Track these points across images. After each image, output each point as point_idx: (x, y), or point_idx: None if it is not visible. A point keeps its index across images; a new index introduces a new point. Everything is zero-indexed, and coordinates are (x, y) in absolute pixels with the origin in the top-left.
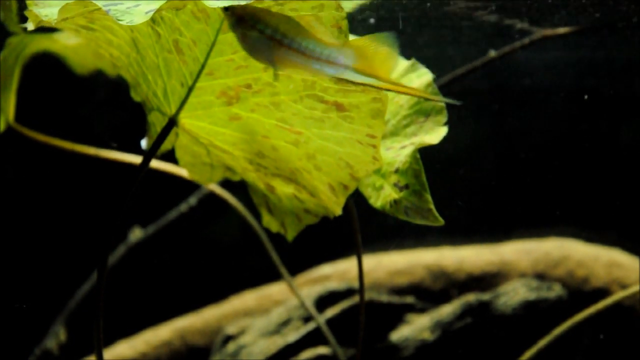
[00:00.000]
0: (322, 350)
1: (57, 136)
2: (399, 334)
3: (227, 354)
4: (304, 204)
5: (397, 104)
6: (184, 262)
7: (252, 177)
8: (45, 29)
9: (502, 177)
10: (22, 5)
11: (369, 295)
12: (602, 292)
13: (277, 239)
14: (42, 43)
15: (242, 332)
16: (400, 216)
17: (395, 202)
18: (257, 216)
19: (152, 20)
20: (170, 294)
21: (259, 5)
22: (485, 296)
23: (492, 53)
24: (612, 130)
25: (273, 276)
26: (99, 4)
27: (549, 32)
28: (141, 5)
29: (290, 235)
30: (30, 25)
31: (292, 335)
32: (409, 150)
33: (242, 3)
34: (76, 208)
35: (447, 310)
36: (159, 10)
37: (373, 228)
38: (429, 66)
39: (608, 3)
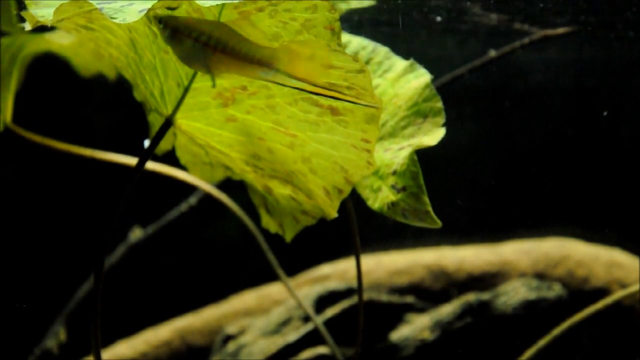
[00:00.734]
0: (322, 350)
1: (59, 137)
2: (399, 334)
3: (227, 353)
4: (301, 205)
5: (396, 105)
6: (184, 262)
7: (250, 178)
8: (46, 29)
9: (502, 176)
10: (23, 6)
11: (369, 295)
12: (602, 292)
13: (277, 238)
14: (38, 43)
15: (242, 332)
16: (397, 218)
17: (393, 204)
18: (257, 216)
19: (149, 19)
20: (170, 294)
21: (252, 7)
22: (485, 296)
23: (492, 53)
24: (612, 130)
25: (273, 276)
26: (94, 2)
27: (549, 32)
28: (135, 4)
29: (289, 236)
30: (27, 26)
31: (292, 335)
32: (406, 152)
33: (236, 3)
34: (76, 208)
35: (447, 310)
36: (153, 9)
37: (373, 228)
38: (428, 66)
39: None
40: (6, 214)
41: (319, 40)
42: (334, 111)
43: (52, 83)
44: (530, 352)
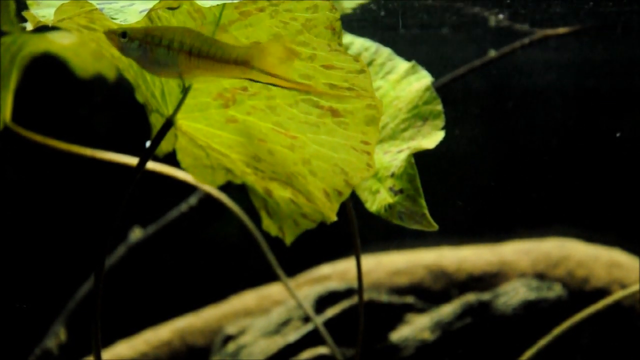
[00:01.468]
0: (323, 350)
1: (59, 137)
2: (399, 334)
3: (227, 354)
4: (301, 208)
5: (396, 108)
6: (184, 262)
7: (251, 180)
8: (47, 28)
9: (502, 177)
10: (24, 6)
11: (369, 295)
12: (602, 292)
13: (277, 238)
14: (39, 43)
15: (242, 332)
16: (394, 221)
17: (390, 206)
18: (258, 217)
19: (150, 19)
20: (170, 294)
21: (252, 7)
22: (485, 296)
23: (492, 53)
24: (612, 130)
25: (273, 276)
26: (94, 3)
27: (549, 32)
28: (135, 4)
29: (288, 239)
30: (29, 26)
31: (292, 335)
32: (405, 154)
33: (236, 3)
34: (76, 208)
35: (447, 310)
36: (155, 10)
37: (373, 228)
38: (428, 66)
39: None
40: (6, 214)
41: (319, 40)
42: (334, 113)
43: (52, 82)
44: (530, 352)
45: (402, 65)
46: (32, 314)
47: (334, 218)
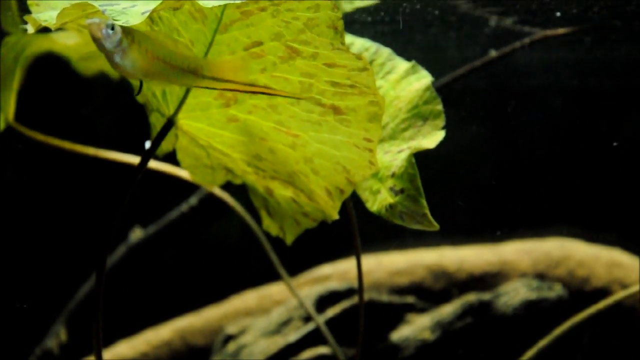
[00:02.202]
0: (323, 350)
1: (61, 136)
2: (399, 334)
3: (228, 353)
4: (302, 207)
5: (396, 107)
6: (185, 262)
7: (251, 179)
8: (49, 28)
9: (503, 177)
10: (25, 5)
11: (369, 295)
12: (603, 292)
13: (277, 238)
14: (41, 43)
15: (242, 332)
16: (395, 221)
17: (391, 206)
18: (258, 217)
19: (151, 20)
20: (171, 294)
21: (254, 6)
22: (486, 296)
23: (493, 53)
24: (613, 130)
25: (273, 276)
26: (96, 4)
27: (549, 32)
28: (137, 5)
29: (289, 239)
30: (30, 28)
31: (292, 335)
32: (405, 154)
33: (238, 3)
34: (77, 208)
35: (447, 310)
36: (156, 10)
37: (374, 228)
38: (428, 66)
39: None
40: (7, 213)
41: (321, 39)
42: (336, 110)
43: (54, 81)
44: (531, 352)
45: (402, 65)
46: (33, 314)
47: (336, 216)
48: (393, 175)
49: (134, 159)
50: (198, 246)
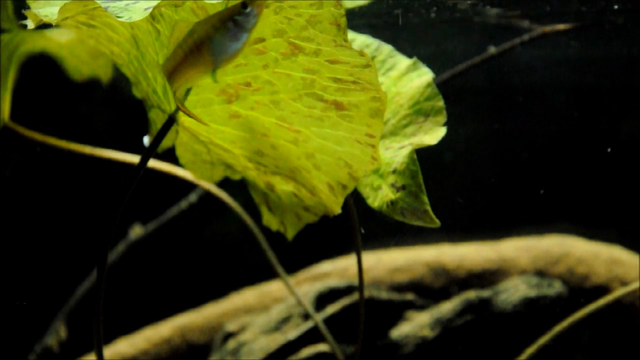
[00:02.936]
0: (323, 347)
1: (57, 134)
2: (399, 331)
3: (227, 351)
4: (303, 202)
5: (398, 104)
6: (184, 259)
7: (252, 175)
8: (44, 26)
9: (502, 174)
10: (22, 2)
11: (369, 292)
12: (603, 289)
13: (277, 236)
14: (36, 40)
15: (242, 330)
16: (396, 217)
17: (392, 202)
18: (258, 214)
19: (152, 17)
20: (171, 291)
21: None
22: (486, 293)
23: (492, 50)
24: (612, 127)
25: (273, 273)
26: (98, 1)
27: (548, 28)
28: (140, 2)
29: (290, 234)
30: (30, 24)
31: (292, 333)
32: (406, 150)
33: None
34: (76, 206)
35: (447, 307)
36: (157, 7)
37: (373, 225)
38: (428, 63)
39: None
40: (6, 211)
41: (324, 36)
42: (338, 106)
43: (48, 79)
44: (530, 349)
45: (404, 62)
46: (33, 312)
47: (338, 211)
48: (394, 171)
49: (130, 157)
50: (198, 243)
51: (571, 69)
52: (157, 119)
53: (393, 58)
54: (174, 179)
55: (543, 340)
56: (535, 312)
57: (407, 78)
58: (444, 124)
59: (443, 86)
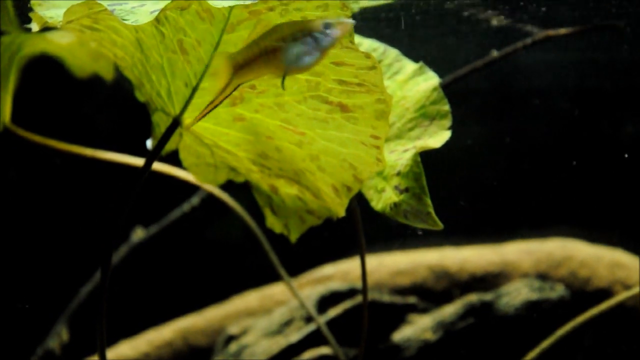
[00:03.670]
0: (325, 350)
1: (60, 137)
2: (401, 334)
3: (229, 354)
4: (307, 205)
5: (403, 107)
6: (187, 262)
7: (256, 178)
8: (45, 28)
9: (505, 177)
10: (23, 5)
11: (371, 295)
12: (605, 293)
13: (280, 238)
14: (37, 42)
15: (244, 332)
16: (399, 219)
17: (395, 205)
18: (261, 217)
19: (157, 20)
20: (173, 294)
21: (262, 6)
22: (488, 296)
23: (495, 53)
24: (614, 131)
25: (276, 276)
26: (104, 3)
27: (551, 32)
28: (146, 5)
29: (294, 236)
30: (34, 27)
31: (294, 336)
32: (410, 153)
33: (247, 3)
34: (78, 208)
35: (449, 311)
36: (163, 10)
37: (376, 228)
38: (431, 66)
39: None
40: (8, 214)
41: None
42: (343, 108)
43: (50, 82)
44: (533, 353)
45: (410, 66)
46: (35, 314)
47: (343, 213)
48: (398, 173)
49: (133, 160)
50: (200, 246)
51: (572, 72)
52: (160, 122)
53: (399, 62)
54: (176, 182)
55: (545, 343)
56: (538, 316)
57: (413, 82)
58: (449, 128)
59: (445, 89)
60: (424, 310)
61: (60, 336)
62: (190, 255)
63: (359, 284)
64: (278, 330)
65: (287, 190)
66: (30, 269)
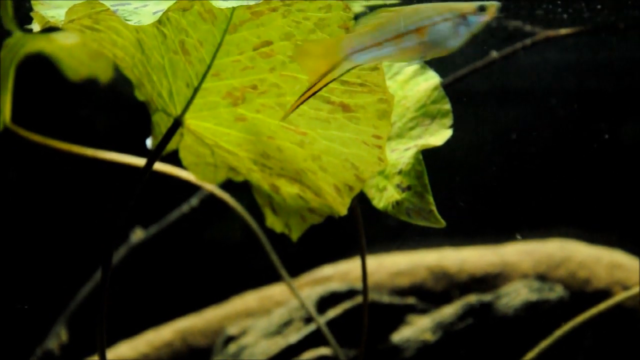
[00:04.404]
0: (324, 351)
1: (60, 137)
2: (400, 335)
3: (229, 354)
4: (308, 203)
5: (404, 107)
6: (186, 263)
7: (257, 177)
8: (46, 28)
9: (504, 178)
10: (24, 5)
11: (370, 296)
12: (604, 294)
13: (280, 239)
14: (39, 43)
15: (243, 333)
16: (402, 217)
17: (398, 203)
18: (261, 217)
19: (159, 21)
20: (172, 295)
21: (265, 7)
22: (487, 297)
23: (494, 54)
24: (614, 131)
25: (275, 277)
26: (107, 4)
27: (551, 33)
28: (149, 5)
29: (295, 235)
30: (36, 26)
31: (293, 336)
32: (412, 151)
33: (251, 3)
34: (78, 209)
35: (448, 311)
36: (166, 11)
37: (375, 229)
38: (431, 66)
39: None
40: (7, 214)
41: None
42: (345, 108)
43: (50, 81)
44: (532, 353)
45: (410, 66)
46: (34, 315)
47: (344, 212)
48: (400, 172)
49: (133, 159)
50: (199, 247)
51: (573, 73)
52: (161, 122)
53: (400, 62)
54: (175, 182)
55: (544, 344)
56: (537, 316)
57: (413, 82)
58: (450, 127)
59: (445, 90)
60: (423, 311)
61: (59, 337)
62: (190, 255)
63: (358, 285)
64: (277, 330)
65: (288, 189)
66: (29, 269)
